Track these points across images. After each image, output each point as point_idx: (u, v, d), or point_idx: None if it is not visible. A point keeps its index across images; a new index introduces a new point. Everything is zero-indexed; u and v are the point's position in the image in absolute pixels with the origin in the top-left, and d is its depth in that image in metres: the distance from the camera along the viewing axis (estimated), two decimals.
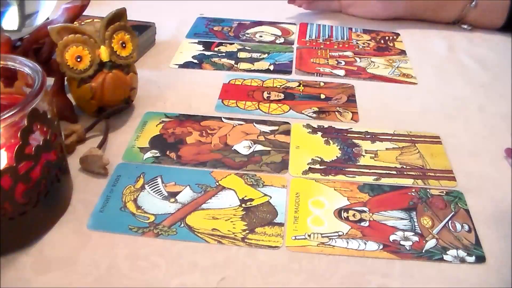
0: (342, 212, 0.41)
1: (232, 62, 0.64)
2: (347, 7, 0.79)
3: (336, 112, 0.55)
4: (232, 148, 0.48)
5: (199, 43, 0.69)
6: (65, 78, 0.50)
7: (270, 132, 0.51)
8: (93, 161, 0.44)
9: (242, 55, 0.66)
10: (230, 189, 0.43)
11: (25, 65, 0.38)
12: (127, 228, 0.39)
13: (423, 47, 0.70)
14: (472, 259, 0.38)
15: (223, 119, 0.52)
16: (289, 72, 0.63)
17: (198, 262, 0.37)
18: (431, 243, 0.39)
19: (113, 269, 0.36)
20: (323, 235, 0.39)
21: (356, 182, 0.45)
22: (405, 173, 0.46)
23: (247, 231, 0.39)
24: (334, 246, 0.38)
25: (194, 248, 0.38)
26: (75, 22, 0.49)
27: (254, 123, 0.52)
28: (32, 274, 0.35)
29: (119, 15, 0.49)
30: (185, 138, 0.49)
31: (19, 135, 0.33)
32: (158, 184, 0.44)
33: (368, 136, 0.51)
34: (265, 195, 0.43)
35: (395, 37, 0.73)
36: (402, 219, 0.41)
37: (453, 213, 0.42)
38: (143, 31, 0.66)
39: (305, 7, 0.79)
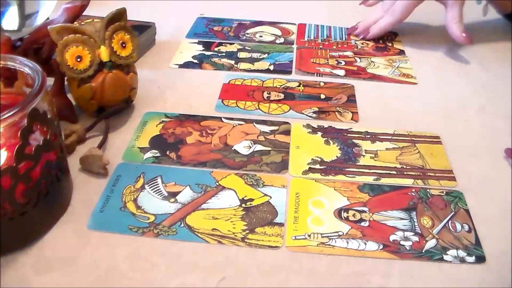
0: (342, 212, 0.41)
1: (232, 62, 0.64)
2: None
3: (336, 112, 0.55)
4: (232, 148, 0.48)
5: (199, 43, 0.69)
6: (65, 78, 0.50)
7: (270, 132, 0.51)
8: (93, 161, 0.44)
9: (242, 55, 0.66)
10: (230, 189, 0.43)
11: (25, 65, 0.38)
12: (127, 228, 0.39)
13: (423, 47, 0.70)
14: (472, 259, 0.38)
15: (223, 119, 0.52)
16: (289, 72, 0.63)
17: (198, 262, 0.37)
18: (431, 243, 0.39)
19: (113, 269, 0.36)
20: (323, 235, 0.39)
21: (356, 182, 0.45)
22: (405, 173, 0.46)
23: (247, 231, 0.39)
24: (334, 246, 0.38)
25: (194, 248, 0.38)
26: (75, 22, 0.49)
27: (254, 123, 0.52)
28: (32, 274, 0.35)
29: (119, 15, 0.49)
30: (185, 138, 0.49)
31: (19, 135, 0.33)
32: (158, 184, 0.44)
33: (368, 136, 0.51)
34: (265, 195, 0.43)
35: (393, 36, 0.73)
36: (402, 219, 0.41)
37: (453, 213, 0.42)
38: (143, 31, 0.66)
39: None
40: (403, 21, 0.70)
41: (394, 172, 0.46)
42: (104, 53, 0.48)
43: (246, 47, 0.68)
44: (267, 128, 0.51)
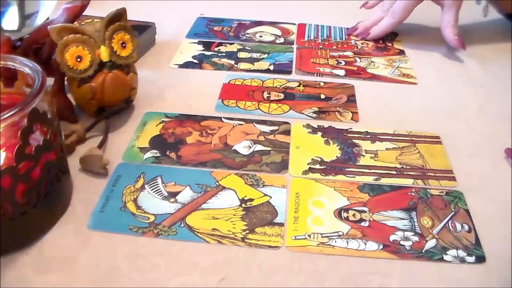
0: (342, 212, 0.41)
1: (232, 62, 0.64)
2: None
3: (336, 112, 0.55)
4: (232, 148, 0.48)
5: (199, 43, 0.69)
6: (65, 78, 0.50)
7: (270, 132, 0.51)
8: (93, 161, 0.44)
9: (242, 55, 0.66)
10: (230, 189, 0.43)
11: (25, 65, 0.38)
12: (127, 228, 0.39)
13: (423, 47, 0.70)
14: (472, 259, 0.38)
15: (223, 119, 0.52)
16: (289, 72, 0.63)
17: (198, 262, 0.37)
18: (431, 243, 0.39)
19: (113, 269, 0.36)
20: (323, 235, 0.39)
21: (356, 182, 0.45)
22: (405, 173, 0.46)
23: (247, 231, 0.39)
24: (334, 246, 0.38)
25: (194, 248, 0.38)
26: (75, 22, 0.49)
27: (254, 123, 0.52)
28: (32, 274, 0.35)
29: (119, 15, 0.49)
30: (185, 138, 0.49)
31: (19, 135, 0.33)
32: (158, 184, 0.44)
33: (368, 136, 0.51)
34: (265, 195, 0.43)
35: (393, 36, 0.73)
36: (402, 219, 0.41)
37: (453, 213, 0.42)
38: (143, 31, 0.66)
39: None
40: (403, 21, 0.70)
41: (394, 172, 0.46)
42: (104, 53, 0.48)
43: (246, 47, 0.68)
44: (267, 128, 0.51)
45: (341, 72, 0.63)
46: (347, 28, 0.74)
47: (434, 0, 0.70)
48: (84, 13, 0.50)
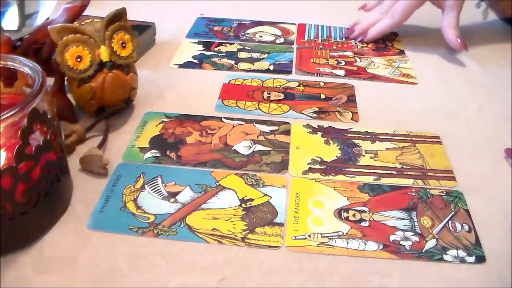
0: (342, 212, 0.41)
1: (232, 62, 0.64)
2: None
3: (336, 112, 0.55)
4: (232, 148, 0.48)
5: (199, 43, 0.69)
6: (65, 78, 0.50)
7: (270, 132, 0.51)
8: (93, 161, 0.44)
9: (242, 55, 0.66)
10: (230, 189, 0.43)
11: (25, 65, 0.38)
12: (127, 228, 0.39)
13: (423, 47, 0.70)
14: (472, 259, 0.38)
15: (223, 119, 0.52)
16: (289, 72, 0.63)
17: (198, 262, 0.37)
18: (431, 243, 0.39)
19: (113, 269, 0.36)
20: (323, 235, 0.39)
21: (356, 182, 0.45)
22: (405, 173, 0.46)
23: (247, 231, 0.39)
24: (334, 246, 0.38)
25: (194, 248, 0.38)
26: (75, 22, 0.49)
27: (254, 123, 0.52)
28: (32, 274, 0.35)
29: (119, 15, 0.49)
30: (185, 138, 0.49)
31: (19, 135, 0.33)
32: (158, 184, 0.44)
33: (368, 136, 0.51)
34: (265, 195, 0.43)
35: (393, 37, 0.73)
36: (402, 219, 0.41)
37: (453, 213, 0.42)
38: (143, 31, 0.66)
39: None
40: (402, 23, 0.70)
41: (394, 172, 0.46)
42: (104, 53, 0.48)
43: (246, 47, 0.68)
44: (267, 128, 0.51)
45: (341, 72, 0.63)
46: (346, 29, 0.74)
47: (433, 3, 0.69)
48: (84, 13, 0.50)
